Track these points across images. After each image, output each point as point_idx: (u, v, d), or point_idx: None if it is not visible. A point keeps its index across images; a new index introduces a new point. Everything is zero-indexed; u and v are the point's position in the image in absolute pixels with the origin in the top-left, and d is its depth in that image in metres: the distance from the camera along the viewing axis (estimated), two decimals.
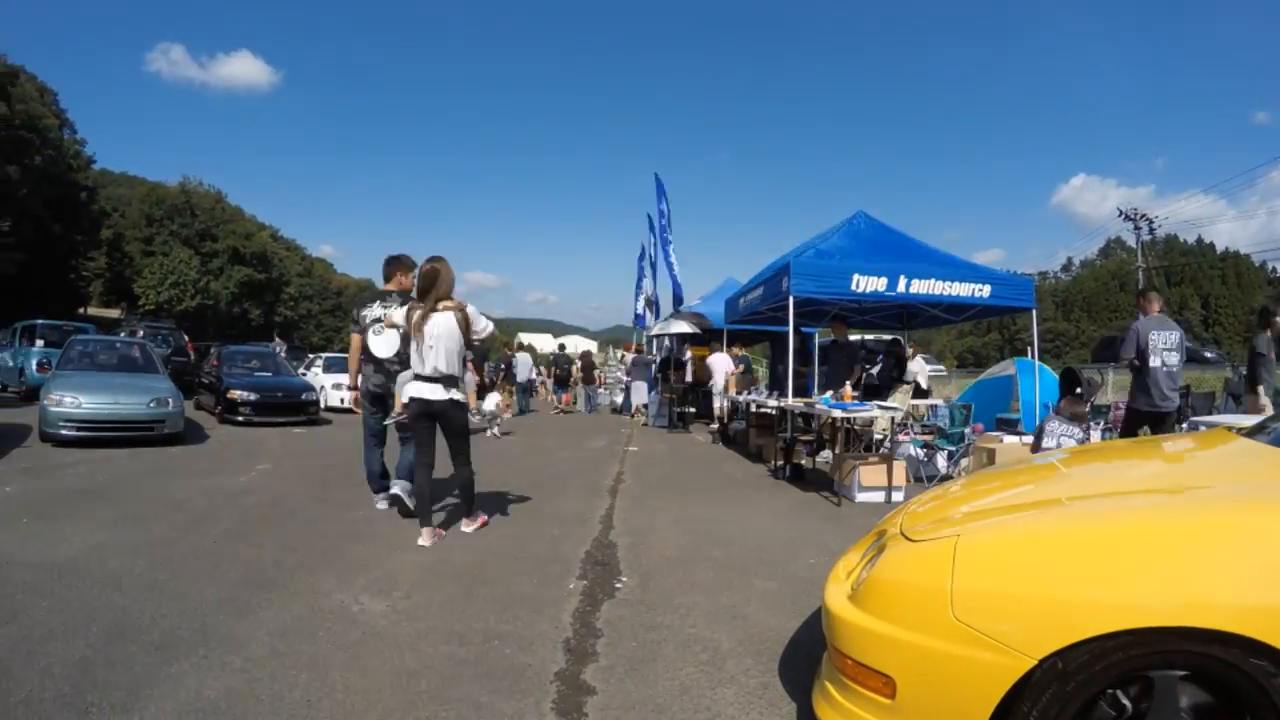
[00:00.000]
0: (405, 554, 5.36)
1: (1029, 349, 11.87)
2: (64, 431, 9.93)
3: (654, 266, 22.21)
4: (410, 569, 5.00)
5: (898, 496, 7.75)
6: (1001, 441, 9.10)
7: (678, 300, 19.19)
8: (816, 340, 16.12)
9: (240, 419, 13.89)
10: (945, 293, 9.59)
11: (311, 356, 23.99)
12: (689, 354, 19.34)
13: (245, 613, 4.06)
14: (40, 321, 18.79)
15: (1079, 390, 9.83)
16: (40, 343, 17.27)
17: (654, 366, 19.35)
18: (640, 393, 18.80)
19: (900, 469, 8.19)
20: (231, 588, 4.46)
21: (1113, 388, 19.61)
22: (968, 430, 9.65)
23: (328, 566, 4.99)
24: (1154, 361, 7.37)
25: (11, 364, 17.42)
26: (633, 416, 19.07)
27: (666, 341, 19.48)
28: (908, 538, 2.53)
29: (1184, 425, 11.43)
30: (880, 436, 10.33)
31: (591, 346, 39.09)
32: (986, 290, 9.68)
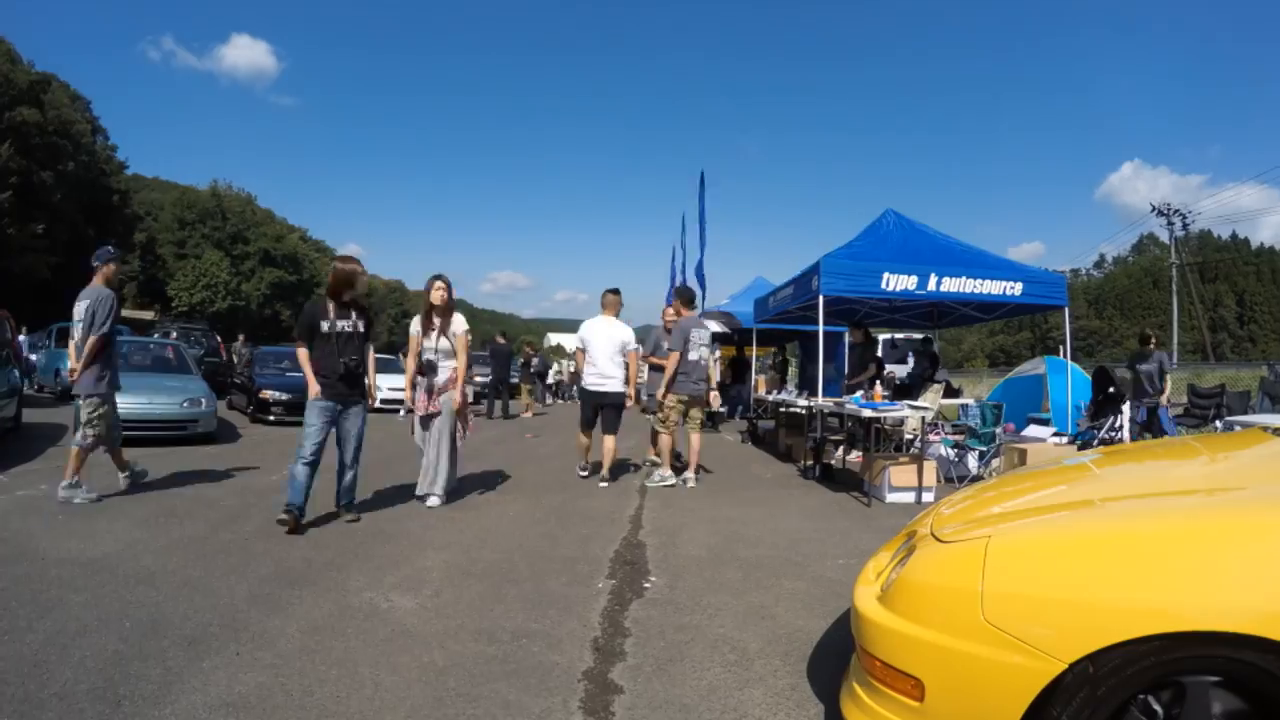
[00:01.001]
0: (435, 553, 5.40)
1: (1061, 348, 11.73)
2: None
3: (684, 265, 22.13)
4: (440, 567, 5.03)
5: (928, 497, 7.69)
6: (1032, 441, 9.00)
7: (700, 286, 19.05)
8: (846, 339, 16.05)
9: (272, 419, 14.06)
10: (976, 291, 9.51)
11: None
12: (718, 353, 19.24)
13: (276, 609, 4.10)
14: None
15: (1111, 390, 9.67)
16: None
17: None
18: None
19: (931, 469, 8.12)
20: (262, 585, 4.51)
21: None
22: (999, 430, 9.55)
23: (358, 564, 5.03)
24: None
25: (47, 365, 17.70)
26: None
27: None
28: (938, 539, 2.50)
29: (1219, 425, 11.27)
30: (911, 436, 10.25)
31: None
32: (1018, 288, 9.59)
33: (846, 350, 14.91)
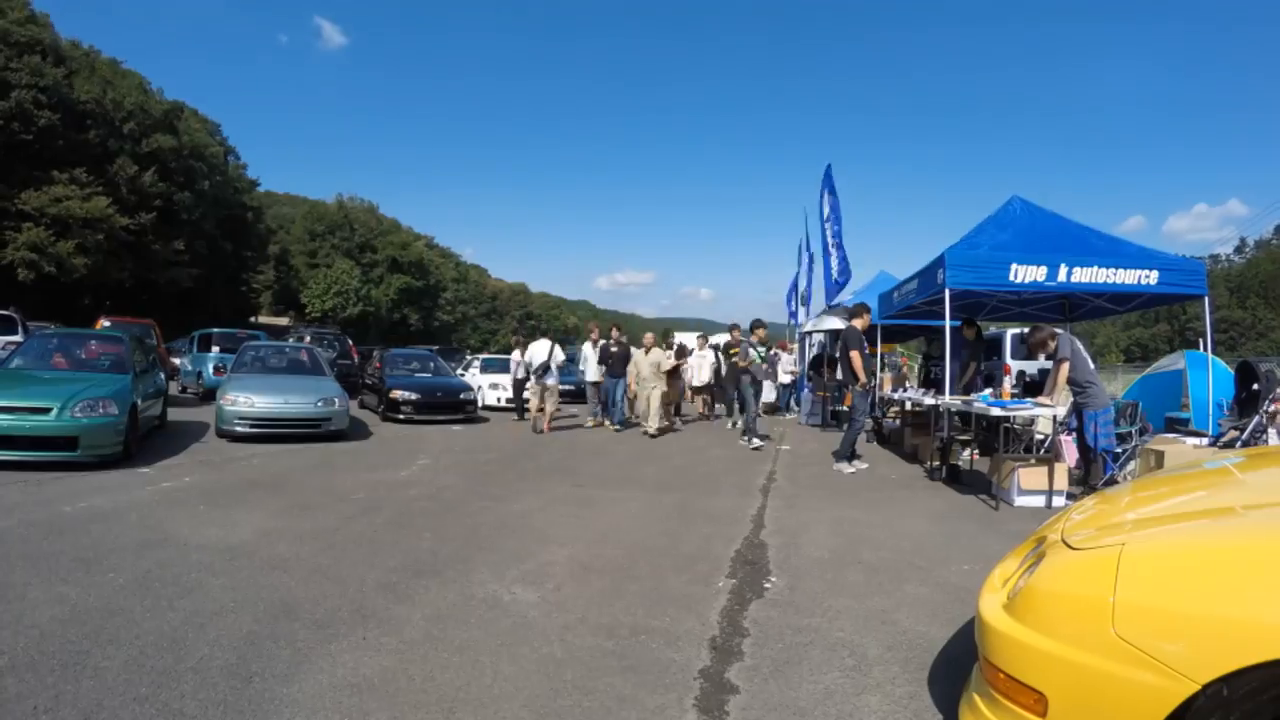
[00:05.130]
0: (558, 548, 5.51)
1: (1201, 341, 11.00)
2: (238, 428, 10.70)
3: (810, 261, 21.82)
4: (562, 562, 5.13)
5: (1059, 501, 7.37)
6: (1171, 443, 8.49)
7: (837, 289, 18.65)
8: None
9: (401, 417, 14.58)
10: (1109, 281, 8.98)
11: (470, 358, 24.96)
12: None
13: (403, 598, 4.26)
14: (215, 330, 20.46)
15: (1255, 386, 9.00)
16: (216, 349, 18.68)
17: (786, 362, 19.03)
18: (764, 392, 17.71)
19: (1062, 471, 7.75)
20: (390, 574, 4.70)
21: None
22: (1135, 430, 9.05)
23: (483, 557, 5.18)
24: None
25: (190, 368, 18.92)
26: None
27: (820, 338, 19.10)
28: (1069, 545, 2.40)
29: None
30: (1041, 437, 9.83)
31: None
32: (1154, 277, 9.02)
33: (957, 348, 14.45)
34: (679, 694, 3.17)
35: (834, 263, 17.92)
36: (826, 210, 18.38)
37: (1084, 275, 8.89)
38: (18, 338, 13.93)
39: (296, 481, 7.88)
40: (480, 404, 17.01)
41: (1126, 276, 8.97)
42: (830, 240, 18.12)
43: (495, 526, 6.13)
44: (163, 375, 12.81)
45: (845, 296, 18.32)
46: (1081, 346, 7.72)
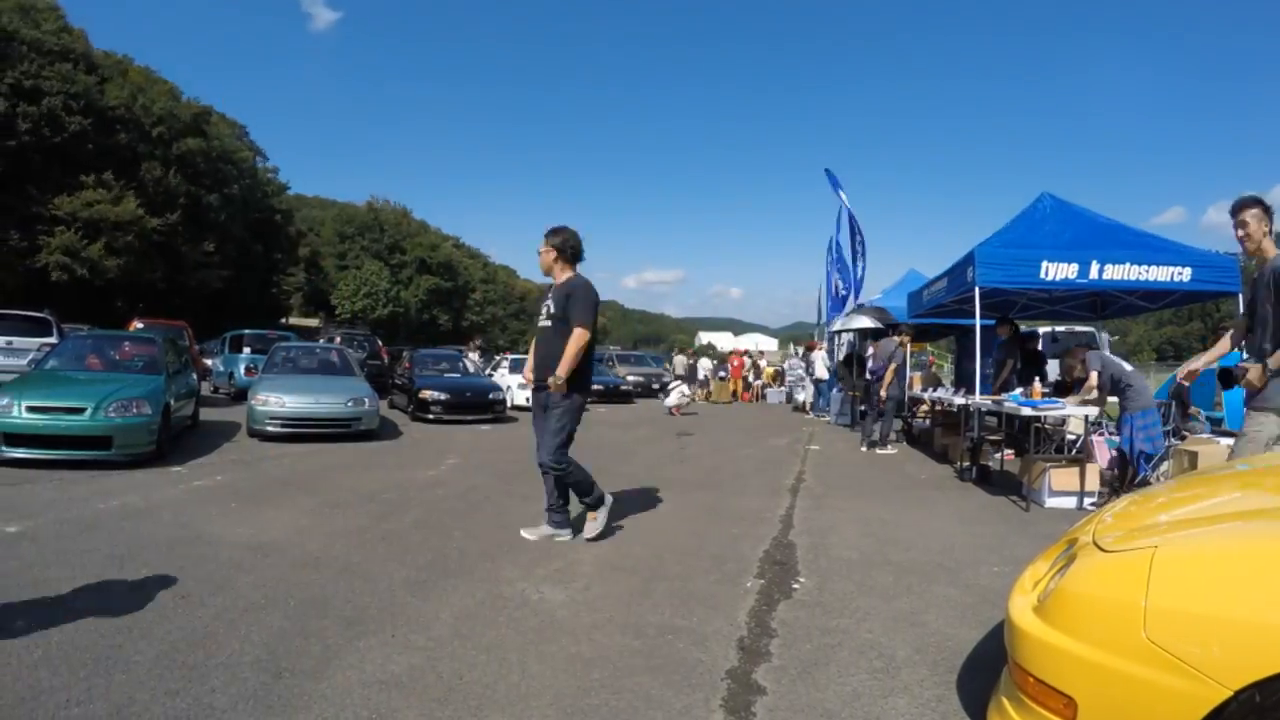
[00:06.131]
0: (586, 547, 5.53)
1: None
2: (269, 428, 10.83)
3: (839, 261, 21.77)
4: (590, 561, 5.15)
5: (1090, 502, 7.28)
6: (1204, 443, 8.35)
7: (857, 291, 18.68)
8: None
9: (431, 417, 14.69)
10: (1141, 278, 8.86)
11: (499, 358, 25.13)
12: (871, 349, 18.82)
13: (431, 596, 4.30)
14: (246, 331, 20.79)
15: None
16: (247, 350, 18.97)
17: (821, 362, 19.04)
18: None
19: (1094, 472, 7.67)
20: (419, 572, 4.74)
21: None
22: (1169, 430, 8.91)
23: (511, 556, 5.21)
24: None
25: (222, 369, 19.22)
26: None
27: (849, 337, 19.02)
28: (1100, 547, 2.36)
29: None
30: (1073, 437, 9.71)
31: (772, 344, 39.29)
32: (1186, 274, 8.88)
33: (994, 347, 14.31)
34: (706, 694, 3.17)
35: (858, 268, 17.97)
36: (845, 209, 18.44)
37: (1116, 273, 8.78)
38: (52, 339, 14.14)
39: (327, 481, 7.95)
40: (510, 404, 17.05)
41: (1159, 273, 8.85)
42: (855, 245, 18.16)
43: (524, 525, 6.15)
44: (195, 376, 12.99)
45: (874, 295, 18.30)
46: (1108, 352, 7.61)
